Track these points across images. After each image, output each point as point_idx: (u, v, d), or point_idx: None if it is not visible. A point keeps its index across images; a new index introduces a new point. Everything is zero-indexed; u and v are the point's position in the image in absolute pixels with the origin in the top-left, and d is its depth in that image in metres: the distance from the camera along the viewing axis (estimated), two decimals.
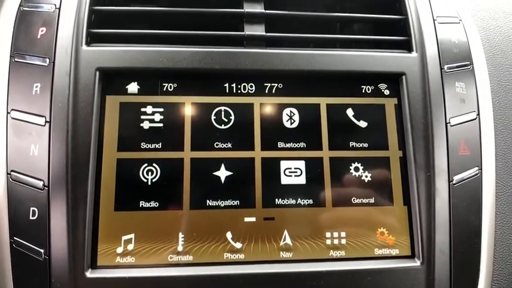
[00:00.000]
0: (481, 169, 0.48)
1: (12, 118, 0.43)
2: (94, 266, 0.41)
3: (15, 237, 0.41)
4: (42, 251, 0.41)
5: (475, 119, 0.49)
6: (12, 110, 0.43)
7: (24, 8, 0.47)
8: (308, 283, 0.42)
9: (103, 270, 0.41)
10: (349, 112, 0.48)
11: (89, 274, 0.41)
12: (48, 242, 0.41)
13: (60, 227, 0.41)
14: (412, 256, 0.45)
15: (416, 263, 0.44)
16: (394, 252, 0.45)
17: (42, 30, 0.46)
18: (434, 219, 0.45)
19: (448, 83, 0.49)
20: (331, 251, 0.44)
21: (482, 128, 0.49)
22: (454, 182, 0.46)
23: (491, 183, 0.48)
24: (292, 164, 0.46)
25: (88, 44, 0.46)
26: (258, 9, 0.50)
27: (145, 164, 0.44)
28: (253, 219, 0.44)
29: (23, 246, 0.41)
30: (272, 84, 0.48)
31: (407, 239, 0.45)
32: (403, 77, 0.48)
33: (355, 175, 0.46)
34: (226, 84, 0.47)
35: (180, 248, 0.43)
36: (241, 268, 0.42)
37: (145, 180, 0.44)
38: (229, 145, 0.46)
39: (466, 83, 0.50)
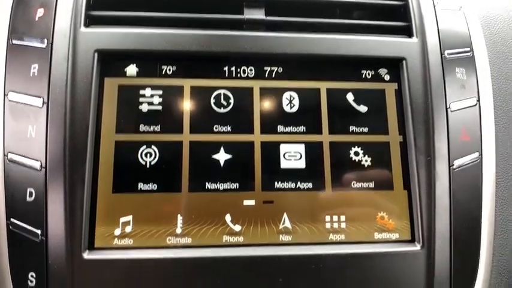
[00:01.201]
0: (481, 155, 0.48)
1: (10, 100, 0.43)
2: (91, 247, 0.41)
3: (11, 219, 0.41)
4: (39, 232, 0.40)
5: (475, 105, 0.49)
6: (9, 91, 0.43)
7: None
8: (307, 266, 0.42)
9: (100, 252, 0.41)
10: (349, 97, 0.47)
11: (86, 255, 0.40)
12: (45, 223, 0.40)
13: (58, 208, 0.41)
14: (412, 240, 0.44)
15: (417, 247, 0.44)
16: (394, 236, 0.45)
17: (40, 12, 0.45)
18: (435, 204, 0.44)
19: (449, 68, 0.49)
20: (331, 234, 0.44)
21: (483, 114, 0.49)
22: (454, 167, 0.46)
23: (491, 170, 0.48)
24: (292, 147, 0.46)
25: (86, 26, 0.46)
26: None
27: (144, 147, 0.44)
28: (252, 202, 0.44)
29: (19, 227, 0.40)
30: (272, 68, 0.47)
31: (407, 223, 0.45)
32: (404, 62, 0.48)
33: (355, 159, 0.46)
34: (226, 68, 0.47)
35: (178, 231, 0.42)
36: (240, 251, 0.42)
37: (143, 163, 0.43)
38: (229, 128, 0.45)
39: (466, 69, 0.50)
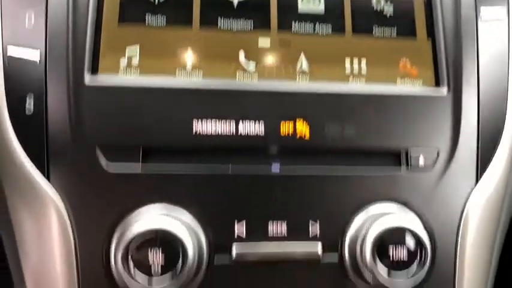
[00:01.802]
0: (509, 15, 0.45)
1: None
2: (94, 73, 0.38)
3: (9, 46, 0.38)
4: (38, 53, 0.37)
5: None
6: None
7: None
8: (327, 104, 0.39)
9: (104, 79, 0.38)
10: None
11: (89, 81, 0.37)
12: (45, 45, 0.37)
13: (59, 30, 0.37)
14: (437, 86, 0.42)
15: (443, 90, 0.41)
16: (418, 83, 0.42)
17: None
18: (461, 49, 0.42)
19: None
20: (351, 77, 0.41)
21: None
22: (482, 18, 0.43)
23: None
24: None
25: None
26: None
27: None
28: (267, 41, 0.41)
29: (17, 51, 0.37)
30: None
31: (432, 71, 0.42)
32: None
33: (377, 6, 0.43)
34: None
35: (189, 63, 0.39)
36: (255, 85, 0.39)
37: None
38: None
39: None
